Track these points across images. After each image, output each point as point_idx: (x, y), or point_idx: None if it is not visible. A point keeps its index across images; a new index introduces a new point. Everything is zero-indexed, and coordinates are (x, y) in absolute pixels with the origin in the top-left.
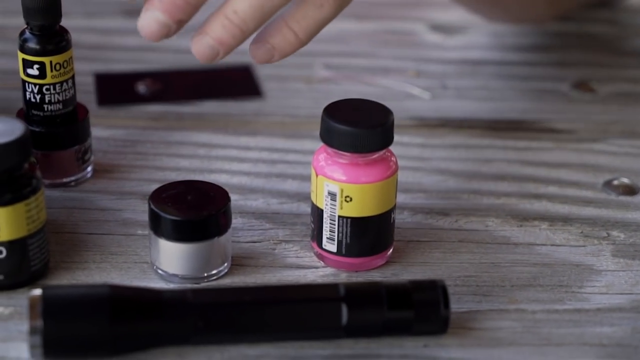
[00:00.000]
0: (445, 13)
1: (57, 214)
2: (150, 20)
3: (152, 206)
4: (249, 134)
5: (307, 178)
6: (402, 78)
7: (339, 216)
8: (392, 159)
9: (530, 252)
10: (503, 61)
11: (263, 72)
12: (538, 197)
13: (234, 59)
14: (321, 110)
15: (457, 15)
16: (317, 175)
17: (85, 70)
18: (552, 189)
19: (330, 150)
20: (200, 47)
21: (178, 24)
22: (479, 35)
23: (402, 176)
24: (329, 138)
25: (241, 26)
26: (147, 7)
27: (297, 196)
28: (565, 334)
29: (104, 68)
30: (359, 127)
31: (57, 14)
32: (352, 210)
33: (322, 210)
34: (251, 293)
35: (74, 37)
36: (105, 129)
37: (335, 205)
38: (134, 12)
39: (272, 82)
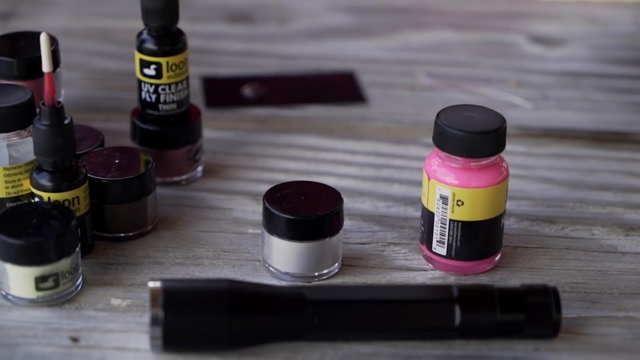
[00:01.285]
0: (545, 25)
1: (169, 211)
2: None
3: (267, 205)
4: (355, 139)
5: (413, 183)
6: (504, 88)
7: (450, 220)
8: (503, 164)
9: (638, 261)
10: (603, 74)
11: (366, 79)
12: None
13: (338, 65)
14: (424, 117)
15: (557, 27)
16: (429, 179)
17: (192, 73)
18: None
19: (442, 154)
20: None
21: None
22: (578, 48)
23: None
24: (442, 142)
25: None
26: None
27: (404, 200)
28: None
29: (210, 72)
30: (472, 132)
31: (175, 15)
32: (463, 214)
33: (433, 214)
34: (366, 292)
35: None
36: (214, 130)
37: (446, 209)
38: (238, 18)
39: (376, 88)
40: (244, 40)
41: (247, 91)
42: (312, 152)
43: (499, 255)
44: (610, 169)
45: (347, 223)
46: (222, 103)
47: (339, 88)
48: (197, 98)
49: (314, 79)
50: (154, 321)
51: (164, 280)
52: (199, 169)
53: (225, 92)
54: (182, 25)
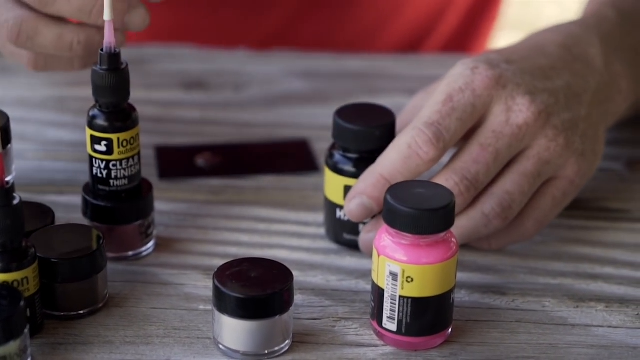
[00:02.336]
0: None
1: (121, 288)
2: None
3: (217, 284)
4: (308, 210)
5: (365, 255)
6: None
7: (400, 296)
8: (453, 239)
9: (588, 333)
10: None
11: (320, 146)
12: (594, 277)
13: (293, 131)
14: None
15: None
16: (379, 255)
17: (145, 142)
18: (608, 270)
19: (392, 230)
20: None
21: (378, 204)
22: None
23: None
24: (392, 219)
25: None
26: (353, 194)
27: (356, 273)
28: None
29: (163, 141)
30: (421, 209)
31: (126, 91)
32: (413, 291)
33: (383, 290)
34: None
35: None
36: (167, 203)
37: (396, 285)
38: (194, 85)
39: None
40: (199, 108)
41: (201, 161)
42: (264, 224)
43: (450, 330)
44: (561, 237)
45: (298, 298)
46: (176, 174)
47: (293, 157)
48: (150, 169)
49: (268, 148)
50: None
51: None
52: (151, 243)
53: (178, 161)
54: (137, 93)
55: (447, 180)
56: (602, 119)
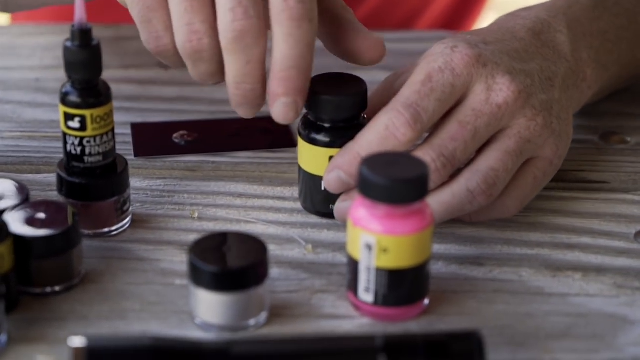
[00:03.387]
0: None
1: (97, 264)
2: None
3: (192, 258)
4: (284, 184)
5: (341, 228)
6: None
7: (376, 267)
8: (428, 210)
9: (565, 302)
10: None
11: (297, 122)
12: (571, 247)
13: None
14: None
15: None
16: (354, 226)
17: (122, 120)
18: (585, 240)
19: (367, 201)
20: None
21: (354, 180)
22: None
23: (435, 225)
24: (366, 190)
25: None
26: (331, 167)
27: (333, 246)
28: None
29: (141, 119)
30: (395, 179)
31: (98, 68)
32: (389, 262)
33: (358, 262)
34: (290, 344)
35: (111, 87)
36: (143, 180)
37: (371, 257)
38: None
39: None
40: (176, 85)
41: (178, 138)
42: (241, 199)
43: (426, 301)
44: (538, 207)
45: (274, 271)
46: (152, 151)
47: (269, 132)
48: (127, 146)
49: (245, 123)
50: None
51: (86, 338)
52: (127, 220)
53: (154, 138)
54: (114, 71)
55: (424, 156)
56: (569, 104)
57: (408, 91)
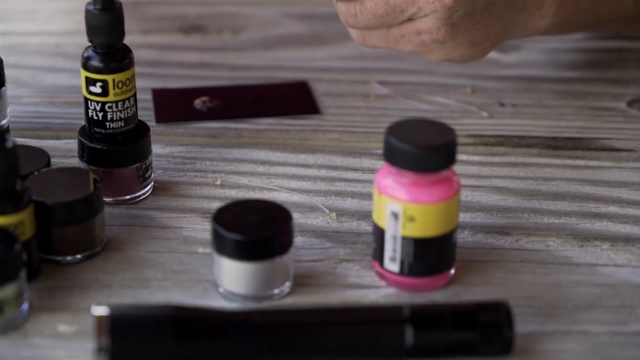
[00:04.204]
0: None
1: (119, 232)
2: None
3: (215, 226)
4: (308, 152)
5: (366, 196)
6: (459, 96)
7: (402, 236)
8: (455, 178)
9: (592, 272)
10: (559, 78)
11: (320, 89)
12: (599, 216)
13: (292, 74)
14: (378, 128)
15: None
16: (379, 194)
17: (143, 86)
18: (613, 209)
19: (393, 169)
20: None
21: None
22: (534, 53)
23: (461, 194)
24: (392, 157)
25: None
26: None
27: (357, 214)
28: (630, 356)
29: (161, 84)
30: (422, 146)
31: (121, 32)
32: (415, 231)
33: (384, 230)
34: (315, 314)
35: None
36: (165, 146)
37: (397, 225)
38: (190, 29)
39: (330, 98)
40: (197, 51)
41: (199, 104)
42: (264, 166)
43: (452, 271)
44: (565, 176)
45: (298, 240)
46: (173, 117)
47: (293, 99)
48: (148, 112)
49: (267, 89)
50: (100, 349)
51: (109, 307)
52: (149, 186)
53: (176, 105)
54: (134, 37)
55: None
56: (505, 24)
57: None
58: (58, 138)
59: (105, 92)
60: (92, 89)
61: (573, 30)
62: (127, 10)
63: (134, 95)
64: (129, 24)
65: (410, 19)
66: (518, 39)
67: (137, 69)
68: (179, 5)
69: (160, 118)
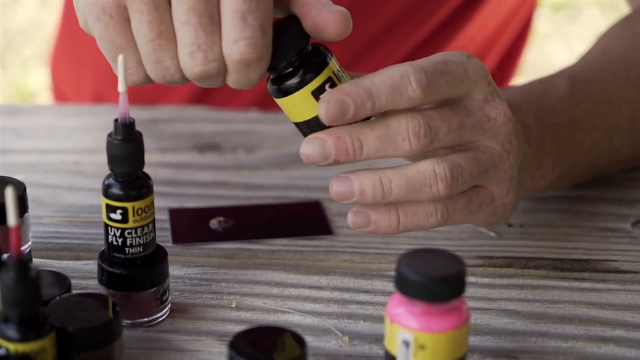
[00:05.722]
0: None
1: (137, 355)
2: (315, 144)
3: (232, 353)
4: (320, 273)
5: (377, 319)
6: None
7: None
8: (464, 306)
9: None
10: (564, 197)
11: (333, 209)
12: (605, 340)
13: (305, 194)
14: (389, 249)
15: None
16: (391, 323)
17: (160, 206)
18: (619, 332)
19: (404, 298)
20: (341, 186)
21: (335, 162)
22: None
23: (470, 319)
24: (404, 287)
25: (386, 194)
26: (335, 91)
27: (369, 338)
28: None
29: (178, 204)
30: (432, 277)
31: (141, 161)
32: (426, 358)
33: (395, 358)
34: None
35: (148, 172)
36: (181, 267)
37: (409, 353)
38: (206, 147)
39: (342, 219)
40: (212, 170)
41: (215, 224)
42: (278, 288)
43: None
44: (572, 299)
45: None
46: (190, 238)
47: (306, 219)
48: (165, 232)
49: (281, 209)
50: None
51: None
52: (166, 309)
53: (192, 225)
54: (152, 155)
55: (412, 117)
56: (520, 184)
57: (425, 62)
58: (77, 259)
59: (125, 219)
60: (113, 215)
61: (573, 181)
62: (144, 127)
63: (153, 221)
64: (146, 142)
65: (480, 186)
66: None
67: (154, 189)
68: (195, 123)
69: (177, 239)
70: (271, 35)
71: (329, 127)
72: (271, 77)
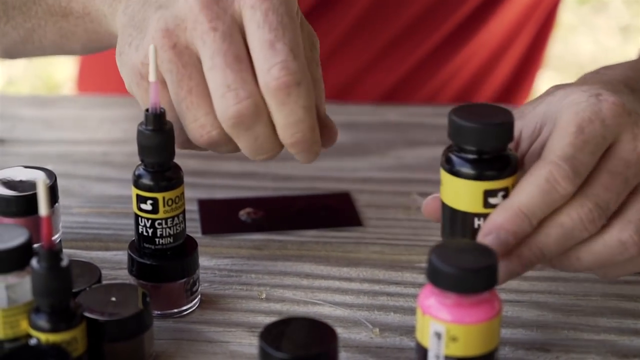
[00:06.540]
0: None
1: (167, 345)
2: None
3: (263, 344)
4: (350, 265)
5: (408, 311)
6: None
7: (445, 356)
8: (496, 299)
9: None
10: None
11: (362, 200)
12: (637, 333)
13: (333, 185)
14: (419, 240)
15: None
16: (423, 314)
17: (189, 196)
18: None
19: (436, 290)
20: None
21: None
22: None
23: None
24: (436, 278)
25: (538, 256)
26: (489, 228)
27: (400, 329)
28: None
29: (207, 194)
30: (464, 268)
31: (171, 151)
32: (458, 350)
33: (427, 349)
34: None
35: (178, 162)
36: (211, 259)
37: (440, 345)
38: None
39: (371, 210)
40: (240, 160)
41: (244, 215)
42: (307, 279)
43: None
44: (604, 292)
45: (342, 356)
46: (219, 229)
47: (335, 210)
48: (194, 222)
49: (311, 200)
50: None
51: None
52: (196, 300)
53: (221, 216)
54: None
55: (581, 206)
56: None
57: (562, 143)
58: (107, 249)
59: (155, 210)
60: (143, 206)
61: None
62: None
63: (183, 212)
64: (174, 133)
65: None
66: None
67: (184, 179)
68: None
69: (206, 230)
70: (304, 58)
71: None
72: (451, 147)
